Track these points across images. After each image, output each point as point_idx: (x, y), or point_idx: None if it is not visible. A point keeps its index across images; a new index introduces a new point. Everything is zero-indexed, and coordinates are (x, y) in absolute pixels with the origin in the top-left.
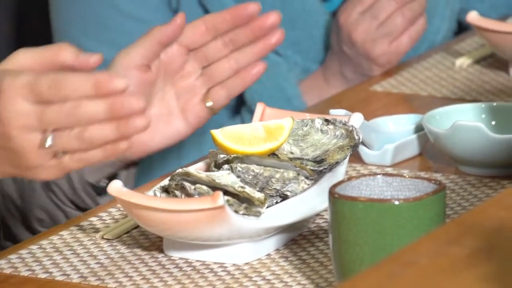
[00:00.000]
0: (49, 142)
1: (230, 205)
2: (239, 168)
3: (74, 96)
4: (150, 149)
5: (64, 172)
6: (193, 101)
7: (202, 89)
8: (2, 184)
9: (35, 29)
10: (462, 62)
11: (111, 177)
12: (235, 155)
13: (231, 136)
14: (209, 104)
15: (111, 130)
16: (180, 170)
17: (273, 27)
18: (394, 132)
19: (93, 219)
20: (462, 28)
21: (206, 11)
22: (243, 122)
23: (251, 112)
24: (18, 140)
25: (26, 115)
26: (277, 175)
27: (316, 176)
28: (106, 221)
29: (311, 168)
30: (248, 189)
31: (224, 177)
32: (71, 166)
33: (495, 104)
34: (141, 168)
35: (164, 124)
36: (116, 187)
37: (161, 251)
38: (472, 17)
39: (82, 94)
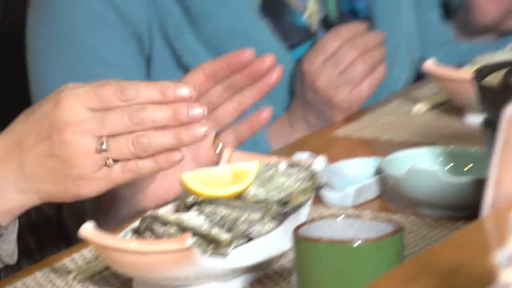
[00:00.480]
0: (104, 147)
1: (199, 245)
2: (207, 210)
3: (139, 99)
4: (165, 201)
5: (110, 185)
6: (203, 147)
7: (210, 134)
8: (24, 236)
9: (9, 77)
10: (420, 108)
11: None
12: (203, 197)
13: (199, 179)
14: (219, 148)
15: (170, 136)
16: (150, 212)
17: (270, 69)
18: (355, 175)
19: (66, 260)
20: (420, 75)
21: (178, 57)
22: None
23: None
24: (73, 144)
25: (85, 121)
26: (244, 217)
27: (280, 217)
28: (79, 262)
29: (276, 210)
30: (215, 231)
31: (192, 219)
32: (119, 178)
33: (451, 148)
34: None
35: (178, 175)
36: (87, 230)
37: None
38: (429, 65)
39: (148, 98)
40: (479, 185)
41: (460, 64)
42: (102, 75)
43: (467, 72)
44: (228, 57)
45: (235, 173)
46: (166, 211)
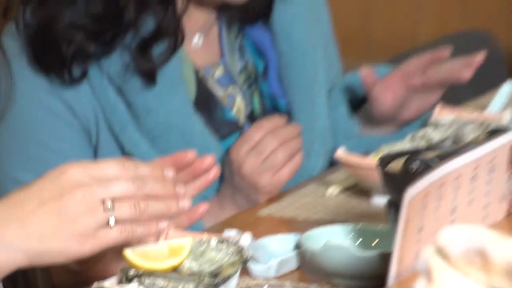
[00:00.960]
0: (109, 206)
1: None
2: (146, 282)
3: (138, 172)
4: (113, 274)
5: (107, 244)
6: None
7: None
8: None
9: None
10: (332, 190)
11: None
12: (143, 270)
13: (140, 254)
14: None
15: (163, 204)
16: (96, 284)
17: (209, 168)
18: (277, 250)
19: None
20: (332, 162)
21: (121, 148)
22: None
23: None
24: (81, 202)
25: (91, 184)
26: (179, 287)
27: (212, 287)
28: None
29: (208, 281)
30: None
31: None
32: (116, 238)
33: (360, 225)
34: None
35: (117, 255)
36: None
37: None
38: (340, 154)
39: (144, 172)
40: (385, 258)
41: (366, 153)
42: (55, 164)
43: (372, 160)
44: (173, 157)
45: (172, 249)
46: (110, 283)
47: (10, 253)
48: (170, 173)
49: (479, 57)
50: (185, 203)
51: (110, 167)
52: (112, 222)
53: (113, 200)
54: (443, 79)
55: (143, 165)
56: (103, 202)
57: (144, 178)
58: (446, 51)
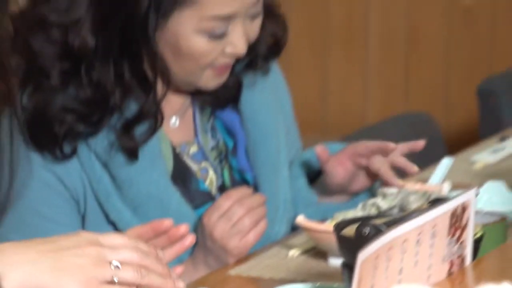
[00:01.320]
0: (116, 265)
1: None
2: None
3: (138, 245)
4: None
5: None
6: None
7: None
8: None
9: None
10: (294, 252)
11: None
12: None
13: None
14: None
15: (160, 278)
16: None
17: (184, 235)
18: None
19: None
20: (293, 228)
21: (106, 216)
22: None
23: None
24: (94, 256)
25: (102, 245)
26: None
27: None
28: None
29: None
30: None
31: None
32: None
33: (318, 284)
34: None
35: None
36: None
37: None
38: (300, 220)
39: (147, 249)
40: None
41: (323, 219)
42: (49, 231)
43: (329, 226)
44: (151, 224)
45: None
46: None
47: (23, 279)
48: (161, 254)
49: (420, 144)
50: (181, 285)
51: (116, 238)
52: (116, 279)
53: (120, 262)
54: (381, 175)
55: (142, 243)
56: (111, 262)
57: (148, 252)
58: (392, 146)
